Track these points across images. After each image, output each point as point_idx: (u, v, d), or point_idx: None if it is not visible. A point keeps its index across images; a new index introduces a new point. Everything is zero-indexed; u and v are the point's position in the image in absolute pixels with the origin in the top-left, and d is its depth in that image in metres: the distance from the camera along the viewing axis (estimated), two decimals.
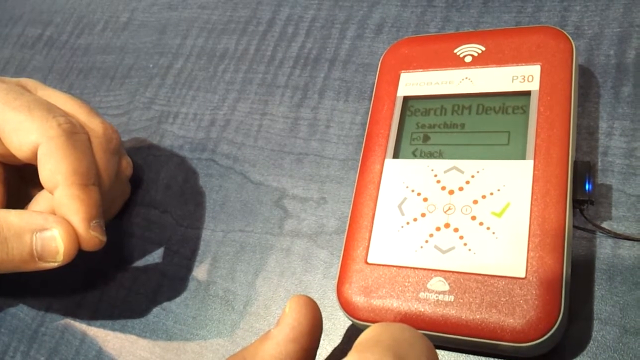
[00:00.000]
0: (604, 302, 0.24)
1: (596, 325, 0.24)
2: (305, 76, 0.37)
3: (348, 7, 0.38)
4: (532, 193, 0.24)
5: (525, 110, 0.26)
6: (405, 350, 0.18)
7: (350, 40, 0.37)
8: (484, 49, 0.28)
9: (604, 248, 0.25)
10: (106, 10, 0.49)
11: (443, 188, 0.26)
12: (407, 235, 0.26)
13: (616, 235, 0.25)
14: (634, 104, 0.28)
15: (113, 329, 0.33)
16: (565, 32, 0.27)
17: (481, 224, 0.25)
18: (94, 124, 0.32)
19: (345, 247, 0.27)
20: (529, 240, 0.23)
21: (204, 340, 0.30)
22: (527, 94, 0.27)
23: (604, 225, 0.25)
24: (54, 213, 0.28)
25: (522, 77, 0.27)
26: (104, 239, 0.29)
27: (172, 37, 0.44)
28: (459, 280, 0.24)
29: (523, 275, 0.23)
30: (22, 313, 0.35)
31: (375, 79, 0.31)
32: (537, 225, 0.24)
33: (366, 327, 0.21)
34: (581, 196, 0.24)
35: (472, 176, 0.26)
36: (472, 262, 0.24)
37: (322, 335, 0.25)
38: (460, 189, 0.26)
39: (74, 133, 0.29)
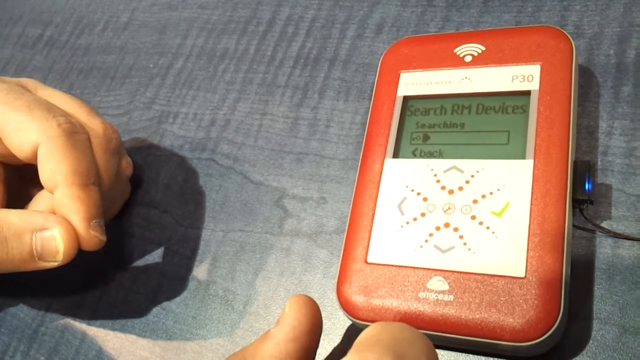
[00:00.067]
0: (604, 302, 0.24)
1: (596, 324, 0.24)
2: (306, 76, 0.37)
3: (348, 7, 0.38)
4: (532, 192, 0.24)
5: (525, 110, 0.26)
6: (404, 349, 0.18)
7: (350, 40, 0.37)
8: (484, 48, 0.28)
9: (604, 247, 0.25)
10: (106, 10, 0.49)
11: (443, 188, 0.26)
12: (407, 234, 0.26)
13: (616, 235, 0.25)
14: (634, 104, 0.28)
15: (113, 329, 0.33)
16: (565, 32, 0.27)
17: (481, 223, 0.25)
18: (94, 124, 0.32)
19: (345, 246, 0.27)
20: (528, 240, 0.23)
21: (203, 339, 0.30)
22: (527, 93, 0.27)
23: (604, 224, 0.25)
24: (54, 213, 0.28)
25: (522, 76, 0.27)
26: (104, 238, 0.29)
27: (172, 37, 0.44)
28: (459, 279, 0.24)
29: (523, 275, 0.23)
30: (22, 313, 0.35)
31: (375, 78, 0.31)
32: (536, 224, 0.24)
33: (366, 326, 0.21)
34: (581, 196, 0.24)
35: (472, 176, 0.26)
36: (471, 262, 0.24)
37: (322, 335, 0.25)
38: (460, 188, 0.26)
39: (74, 133, 0.29)
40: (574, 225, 0.25)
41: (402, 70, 0.30)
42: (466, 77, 0.28)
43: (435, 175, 0.27)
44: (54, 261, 0.28)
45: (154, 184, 0.37)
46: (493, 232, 0.24)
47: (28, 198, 0.32)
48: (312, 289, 0.30)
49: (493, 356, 0.25)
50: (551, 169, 0.24)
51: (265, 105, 0.37)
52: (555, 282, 0.22)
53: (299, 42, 0.38)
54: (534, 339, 0.22)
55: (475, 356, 0.25)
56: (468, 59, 0.29)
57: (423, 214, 0.26)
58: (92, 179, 0.29)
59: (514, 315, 0.22)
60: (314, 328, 0.23)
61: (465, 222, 0.25)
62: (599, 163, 0.27)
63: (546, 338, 0.22)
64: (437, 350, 0.23)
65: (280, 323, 0.23)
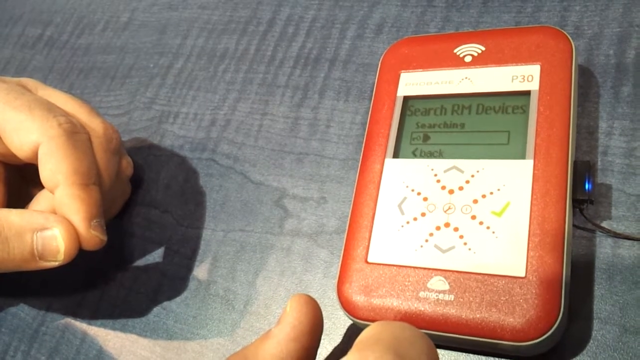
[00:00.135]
0: (604, 302, 0.24)
1: (596, 324, 0.24)
2: (306, 76, 0.37)
3: (348, 7, 0.38)
4: (532, 192, 0.24)
5: (525, 110, 0.26)
6: (405, 348, 0.18)
7: (350, 40, 0.37)
8: (483, 48, 0.28)
9: (604, 247, 0.25)
10: (106, 10, 0.49)
11: (443, 187, 0.26)
12: (407, 234, 0.26)
13: (616, 235, 0.25)
14: (634, 104, 0.28)
15: (114, 329, 0.33)
16: (565, 32, 0.27)
17: (481, 223, 0.25)
18: (94, 124, 0.32)
19: (346, 246, 0.27)
20: (528, 240, 0.23)
21: (204, 339, 0.30)
22: (526, 93, 0.27)
23: (604, 224, 0.25)
24: (54, 212, 0.28)
25: (522, 76, 0.27)
26: (105, 238, 0.29)
27: (173, 37, 0.44)
28: (459, 279, 0.24)
29: (523, 275, 0.23)
30: (23, 312, 0.35)
31: (375, 78, 0.31)
32: (537, 224, 0.24)
33: (366, 326, 0.21)
34: (581, 196, 0.25)
35: (472, 176, 0.26)
36: (472, 262, 0.24)
37: (323, 335, 0.25)
38: (460, 188, 0.26)
39: (75, 133, 0.29)
40: (574, 225, 0.25)
41: (402, 71, 0.30)
42: (466, 77, 0.28)
43: (436, 175, 0.27)
44: (55, 261, 0.28)
45: (155, 183, 0.37)
46: (493, 232, 0.24)
47: (29, 198, 0.33)
48: (312, 289, 0.30)
49: (493, 356, 0.25)
50: (551, 169, 0.24)
51: (265, 105, 0.37)
52: (556, 281, 0.22)
53: (299, 42, 0.38)
54: (534, 338, 0.22)
55: (476, 356, 0.25)
56: (468, 59, 0.29)
57: (423, 214, 0.26)
58: (92, 178, 0.29)
59: (515, 315, 0.22)
60: (315, 327, 0.24)
61: (466, 222, 0.25)
62: (599, 163, 0.27)
63: (546, 338, 0.22)
64: (438, 350, 0.23)
65: (281, 322, 0.23)
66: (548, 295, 0.22)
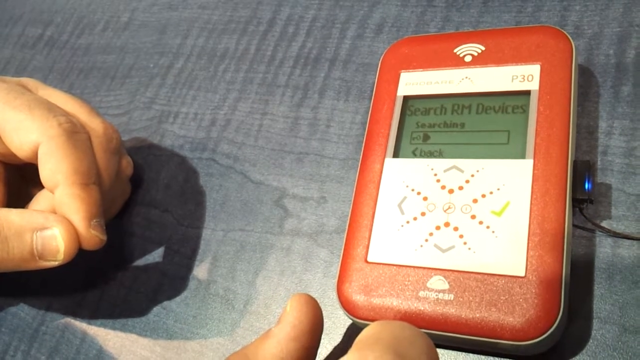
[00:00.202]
0: (604, 301, 0.24)
1: (595, 324, 0.24)
2: (306, 76, 0.37)
3: (348, 7, 0.38)
4: (532, 192, 0.24)
5: (525, 110, 0.26)
6: (405, 348, 0.18)
7: (350, 40, 0.37)
8: (483, 48, 0.28)
9: (604, 247, 0.25)
10: (107, 10, 0.49)
11: (443, 187, 0.26)
12: (407, 234, 0.26)
13: (616, 234, 0.25)
14: (634, 104, 0.28)
15: (114, 328, 0.33)
16: (565, 32, 0.27)
17: (481, 223, 0.25)
18: (94, 124, 0.32)
19: (345, 246, 0.27)
20: (528, 239, 0.23)
21: (204, 339, 0.30)
22: (526, 93, 0.27)
23: (604, 224, 0.25)
24: (54, 212, 0.28)
25: (522, 76, 0.27)
26: (105, 238, 0.29)
27: (173, 37, 0.44)
28: (459, 279, 0.24)
29: (523, 274, 0.23)
30: (23, 312, 0.35)
31: (375, 78, 0.31)
32: (536, 224, 0.24)
33: (366, 325, 0.21)
34: (581, 195, 0.25)
35: (472, 175, 0.26)
36: (471, 261, 0.24)
37: (323, 334, 0.25)
38: (460, 188, 0.26)
39: (75, 132, 0.29)
40: (573, 225, 0.25)
41: (402, 70, 0.30)
42: (466, 77, 0.28)
43: (436, 174, 0.27)
44: (55, 260, 0.28)
45: (155, 183, 0.37)
46: (493, 232, 0.24)
47: (28, 197, 0.33)
48: (312, 288, 0.30)
49: (493, 355, 0.25)
50: (551, 169, 0.24)
51: (265, 105, 0.37)
52: (555, 281, 0.22)
53: (299, 42, 0.38)
54: (534, 338, 0.22)
55: (476, 355, 0.25)
56: (468, 58, 0.29)
57: (423, 214, 0.26)
58: (92, 178, 0.29)
59: (514, 314, 0.22)
60: (315, 327, 0.24)
61: (465, 221, 0.25)
62: (599, 162, 0.27)
63: (546, 337, 0.22)
64: (438, 350, 0.23)
65: (281, 322, 0.23)
66: (548, 294, 0.22)
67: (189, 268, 0.33)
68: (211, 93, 0.39)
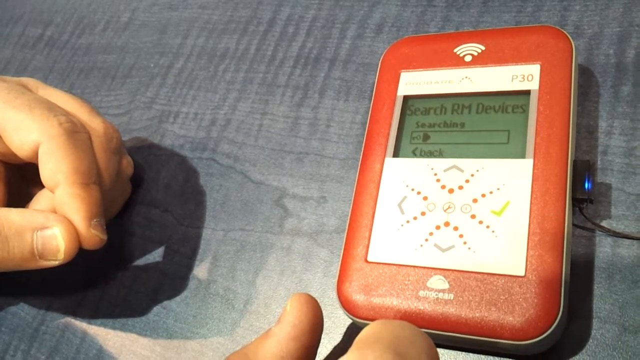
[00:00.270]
0: (603, 301, 0.24)
1: (595, 323, 0.24)
2: (306, 76, 0.37)
3: (348, 6, 0.38)
4: (532, 192, 0.24)
5: (525, 109, 0.26)
6: (405, 347, 0.18)
7: (350, 40, 0.37)
8: (483, 48, 0.28)
9: (603, 246, 0.25)
10: (107, 10, 0.49)
11: (443, 187, 0.26)
12: (407, 233, 0.26)
13: (615, 234, 0.25)
14: (634, 103, 0.28)
15: (114, 328, 0.33)
16: (565, 32, 0.27)
17: (481, 222, 0.25)
18: (94, 123, 0.32)
19: (345, 245, 0.27)
20: (528, 239, 0.23)
21: (204, 338, 0.30)
22: (526, 93, 0.27)
23: (604, 223, 0.25)
24: (54, 212, 0.28)
25: (522, 76, 0.27)
26: (105, 237, 0.29)
27: (173, 37, 0.44)
28: (459, 278, 0.24)
29: (522, 274, 0.23)
30: (23, 312, 0.35)
31: (375, 78, 0.31)
32: (536, 223, 0.24)
33: (366, 325, 0.21)
34: (581, 195, 0.25)
35: (472, 175, 0.26)
36: (471, 261, 0.24)
37: (323, 334, 0.25)
38: (460, 187, 0.26)
39: (75, 132, 0.29)
40: (573, 224, 0.25)
41: (402, 70, 0.30)
42: (466, 77, 0.28)
43: (436, 174, 0.27)
44: (55, 260, 0.28)
45: (155, 183, 0.37)
46: (493, 231, 0.24)
47: (29, 197, 0.33)
48: (312, 288, 0.30)
49: (493, 355, 0.25)
50: (551, 168, 0.24)
51: (265, 105, 0.37)
52: (555, 280, 0.22)
53: (299, 42, 0.38)
54: (533, 337, 0.22)
55: (476, 355, 0.25)
56: (468, 58, 0.29)
57: (423, 213, 0.26)
58: (93, 178, 0.29)
59: (514, 314, 0.22)
60: (315, 326, 0.24)
61: (465, 221, 0.25)
62: (599, 162, 0.27)
63: (546, 337, 0.22)
64: (437, 349, 0.23)
65: (281, 321, 0.23)
66: (547, 294, 0.22)
67: (189, 268, 0.33)
68: (211, 93, 0.39)
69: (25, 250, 0.27)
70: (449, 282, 0.24)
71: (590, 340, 0.24)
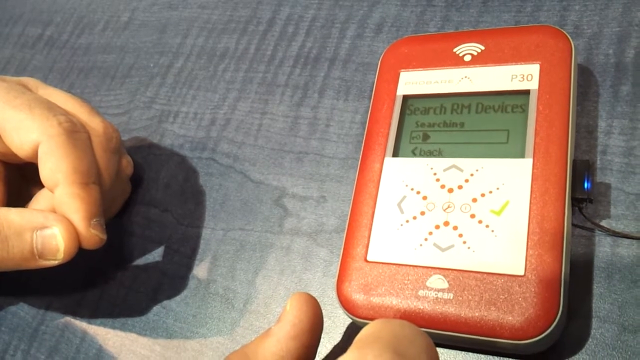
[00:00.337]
0: (603, 300, 0.24)
1: (595, 323, 0.24)
2: (306, 75, 0.37)
3: (348, 6, 0.38)
4: (531, 191, 0.24)
5: (524, 109, 0.26)
6: (405, 346, 0.18)
7: (350, 40, 0.37)
8: (483, 48, 0.29)
9: (603, 246, 0.25)
10: (107, 10, 0.49)
11: (442, 186, 0.26)
12: (407, 233, 0.26)
13: (615, 234, 0.25)
14: (633, 103, 0.28)
15: (113, 327, 0.33)
16: (564, 32, 0.27)
17: (480, 222, 0.25)
18: (94, 123, 0.32)
19: (345, 245, 0.27)
20: (527, 238, 0.24)
21: (204, 338, 0.30)
22: (526, 92, 0.27)
23: (603, 223, 0.25)
24: (54, 211, 0.28)
25: (522, 76, 0.27)
26: (104, 237, 0.29)
27: (173, 37, 0.44)
28: (458, 278, 0.24)
29: (522, 273, 0.23)
30: (23, 311, 0.35)
31: (375, 78, 0.31)
32: (536, 223, 0.24)
33: (365, 325, 0.21)
34: (580, 194, 0.25)
35: (472, 174, 0.26)
36: (471, 260, 0.24)
37: (322, 333, 0.25)
38: (460, 187, 0.26)
39: (75, 132, 0.29)
40: (573, 224, 0.25)
41: (402, 70, 0.30)
42: (465, 77, 0.28)
43: (435, 174, 0.27)
44: (55, 259, 0.28)
45: (154, 183, 0.37)
46: (492, 231, 0.24)
47: (28, 197, 0.33)
48: (312, 288, 0.30)
49: (492, 354, 0.25)
50: (550, 168, 0.24)
51: (265, 105, 0.37)
52: (555, 280, 0.22)
53: (299, 41, 0.38)
54: (533, 337, 0.22)
55: (475, 354, 0.25)
56: (467, 58, 0.29)
57: (423, 213, 0.26)
58: (92, 177, 0.29)
59: (513, 313, 0.22)
60: (315, 326, 0.24)
61: (465, 220, 0.25)
62: (598, 162, 0.27)
63: (545, 336, 0.22)
64: (437, 348, 0.23)
65: (281, 321, 0.23)
66: (547, 293, 0.22)
67: (188, 267, 0.33)
68: (211, 92, 0.39)
69: (24, 250, 0.27)
70: (448, 282, 0.24)
71: (590, 340, 0.24)
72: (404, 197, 0.27)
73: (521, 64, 0.27)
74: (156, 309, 0.32)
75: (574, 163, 0.25)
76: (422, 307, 0.24)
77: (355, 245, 0.26)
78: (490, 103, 0.27)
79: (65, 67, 0.47)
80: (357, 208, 0.27)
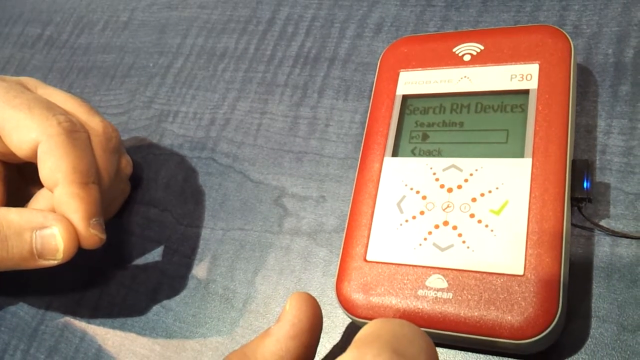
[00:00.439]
0: (602, 300, 0.24)
1: (594, 322, 0.24)
2: (305, 75, 0.37)
3: (348, 6, 0.38)
4: (531, 191, 0.24)
5: (523, 109, 0.26)
6: (404, 346, 0.18)
7: (349, 40, 0.37)
8: (482, 47, 0.29)
9: (602, 246, 0.25)
10: (106, 10, 0.49)
11: (442, 186, 0.26)
12: (406, 233, 0.26)
13: (614, 233, 0.25)
14: (632, 103, 0.28)
15: (113, 327, 0.33)
16: (563, 31, 0.27)
17: (480, 221, 0.25)
18: (93, 123, 0.32)
19: (345, 245, 0.27)
20: (527, 238, 0.24)
21: (203, 338, 0.30)
22: (525, 92, 0.27)
23: (602, 223, 0.25)
24: (53, 211, 0.28)
25: (521, 75, 0.27)
26: (104, 237, 0.29)
27: (172, 37, 0.44)
28: (458, 277, 0.24)
29: (521, 273, 0.23)
30: (22, 311, 0.35)
31: (374, 77, 0.31)
32: (535, 223, 0.24)
33: (365, 324, 0.21)
34: (579, 194, 0.25)
35: (471, 174, 0.26)
36: (470, 260, 0.24)
37: (322, 333, 0.25)
38: (459, 187, 0.26)
39: (74, 131, 0.29)
40: (572, 224, 0.25)
41: (402, 69, 0.30)
42: (465, 76, 0.28)
43: (435, 173, 0.27)
44: (54, 259, 0.28)
45: (154, 182, 0.37)
46: (492, 231, 0.24)
47: (28, 196, 0.33)
48: (311, 287, 0.30)
49: (492, 354, 0.25)
50: (550, 168, 0.24)
51: (264, 105, 0.37)
52: (554, 280, 0.22)
53: (298, 41, 0.38)
54: (532, 336, 0.22)
55: (475, 354, 0.25)
56: (467, 58, 0.29)
57: (422, 212, 0.26)
58: (92, 177, 0.29)
59: (513, 313, 0.22)
60: (315, 326, 0.24)
61: (464, 220, 0.25)
62: (598, 162, 0.27)
63: (544, 336, 0.22)
64: (436, 348, 0.23)
65: (280, 320, 0.23)
66: (546, 293, 0.22)
67: (188, 267, 0.33)
68: (210, 92, 0.39)
69: (24, 250, 0.27)
70: (447, 281, 0.24)
71: (589, 340, 0.24)
72: (404, 196, 0.27)
73: (520, 63, 0.27)
74: (156, 308, 0.32)
75: (574, 163, 0.25)
76: (421, 307, 0.24)
77: (355, 245, 0.26)
78: (489, 103, 0.27)
79: (65, 67, 0.47)
80: (357, 208, 0.27)
